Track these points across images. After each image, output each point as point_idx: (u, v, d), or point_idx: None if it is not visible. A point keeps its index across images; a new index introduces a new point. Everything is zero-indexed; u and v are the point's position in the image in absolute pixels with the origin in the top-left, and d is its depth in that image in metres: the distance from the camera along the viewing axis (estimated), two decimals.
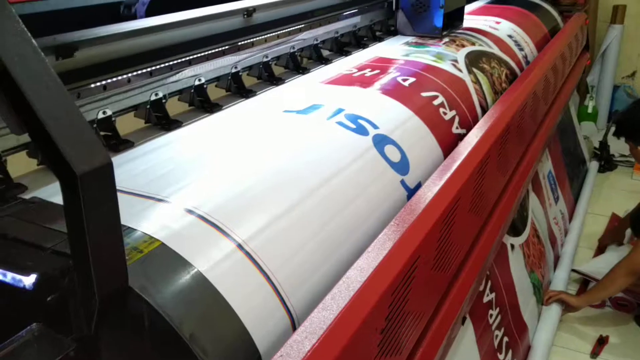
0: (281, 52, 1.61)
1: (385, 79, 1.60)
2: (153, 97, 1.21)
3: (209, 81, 1.36)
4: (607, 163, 3.62)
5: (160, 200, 0.89)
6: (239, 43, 1.42)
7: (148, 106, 1.21)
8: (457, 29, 2.21)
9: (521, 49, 2.41)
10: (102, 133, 1.11)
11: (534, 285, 2.14)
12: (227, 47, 1.38)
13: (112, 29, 1.09)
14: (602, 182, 3.53)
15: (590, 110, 4.08)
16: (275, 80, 1.55)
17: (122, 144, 1.10)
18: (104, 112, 1.10)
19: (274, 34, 1.55)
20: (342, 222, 1.04)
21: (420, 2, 2.11)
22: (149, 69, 1.18)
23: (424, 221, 1.03)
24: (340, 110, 1.33)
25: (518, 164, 1.76)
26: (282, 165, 1.07)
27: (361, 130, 1.27)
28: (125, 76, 1.12)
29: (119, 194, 0.90)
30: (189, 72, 1.29)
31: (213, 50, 1.34)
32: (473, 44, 2.11)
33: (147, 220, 0.84)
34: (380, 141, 1.28)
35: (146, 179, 0.97)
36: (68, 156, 0.61)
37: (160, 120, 1.22)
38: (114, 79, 1.10)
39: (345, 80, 1.58)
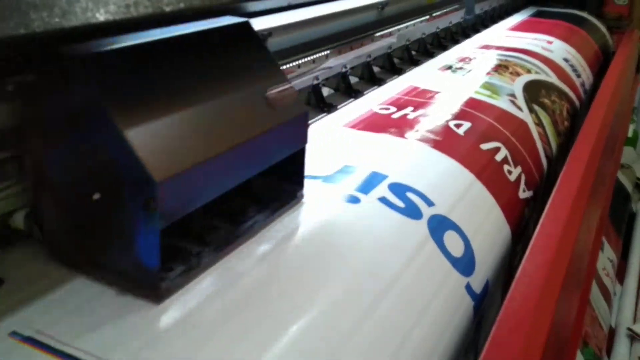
0: (303, 84, 1.26)
1: (432, 123, 1.25)
2: None
3: None
4: None
5: None
6: None
7: None
8: (278, 216, 0.80)
9: (579, 76, 2.07)
10: None
11: None
12: None
13: None
14: None
15: (630, 134, 3.71)
16: None
17: None
18: None
19: (295, 62, 1.20)
20: None
21: (93, 176, 0.60)
22: None
23: None
24: (381, 178, 0.98)
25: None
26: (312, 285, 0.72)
27: (412, 211, 0.93)
28: None
29: None
30: None
31: None
32: (529, 71, 1.76)
33: None
34: (438, 226, 0.93)
35: None
36: None
37: None
38: None
39: (379, 122, 1.23)
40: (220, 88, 0.68)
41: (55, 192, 0.63)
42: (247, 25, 0.77)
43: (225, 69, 0.70)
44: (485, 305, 0.97)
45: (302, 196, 0.84)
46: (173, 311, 0.61)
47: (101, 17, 0.51)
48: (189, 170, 0.59)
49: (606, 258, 2.50)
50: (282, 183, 0.82)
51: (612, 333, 2.20)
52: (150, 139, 0.56)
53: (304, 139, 0.82)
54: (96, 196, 0.57)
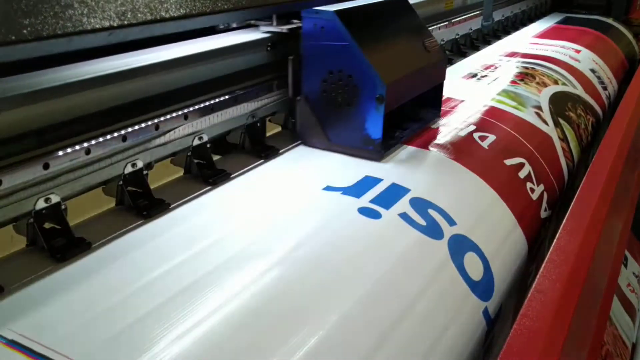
0: None
1: (455, 134, 1.18)
2: (129, 169, 0.82)
3: (213, 138, 0.97)
4: None
5: None
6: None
7: (120, 182, 0.82)
8: (427, 127, 1.20)
9: (604, 88, 1.98)
10: (47, 225, 0.74)
11: None
12: (243, 90, 0.99)
13: (60, 75, 0.70)
14: None
15: None
16: None
17: (76, 247, 0.72)
18: (47, 200, 0.72)
19: None
20: None
21: (339, 86, 1.04)
22: (121, 132, 0.79)
23: None
24: (403, 192, 0.93)
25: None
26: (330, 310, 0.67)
27: (434, 230, 0.87)
28: (81, 146, 0.74)
29: None
30: (184, 129, 0.90)
31: (223, 98, 0.95)
32: (556, 82, 1.69)
33: None
34: (459, 247, 0.87)
35: (103, 332, 0.58)
36: None
37: (138, 200, 0.83)
38: (62, 152, 0.72)
39: None
40: (404, 37, 1.18)
41: (308, 98, 1.07)
42: (407, 2, 1.25)
43: (404, 27, 1.19)
44: (497, 327, 0.91)
45: (439, 117, 1.26)
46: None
47: None
48: (398, 80, 1.06)
49: (631, 273, 2.40)
50: (425, 109, 1.25)
51: (635, 349, 2.10)
52: (379, 62, 1.02)
53: (443, 76, 1.26)
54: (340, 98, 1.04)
